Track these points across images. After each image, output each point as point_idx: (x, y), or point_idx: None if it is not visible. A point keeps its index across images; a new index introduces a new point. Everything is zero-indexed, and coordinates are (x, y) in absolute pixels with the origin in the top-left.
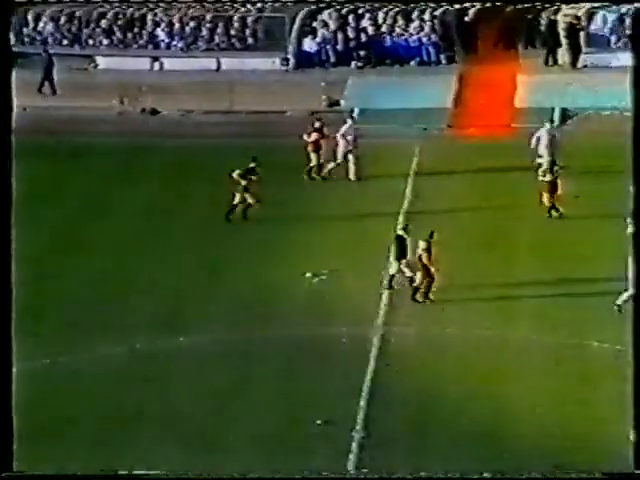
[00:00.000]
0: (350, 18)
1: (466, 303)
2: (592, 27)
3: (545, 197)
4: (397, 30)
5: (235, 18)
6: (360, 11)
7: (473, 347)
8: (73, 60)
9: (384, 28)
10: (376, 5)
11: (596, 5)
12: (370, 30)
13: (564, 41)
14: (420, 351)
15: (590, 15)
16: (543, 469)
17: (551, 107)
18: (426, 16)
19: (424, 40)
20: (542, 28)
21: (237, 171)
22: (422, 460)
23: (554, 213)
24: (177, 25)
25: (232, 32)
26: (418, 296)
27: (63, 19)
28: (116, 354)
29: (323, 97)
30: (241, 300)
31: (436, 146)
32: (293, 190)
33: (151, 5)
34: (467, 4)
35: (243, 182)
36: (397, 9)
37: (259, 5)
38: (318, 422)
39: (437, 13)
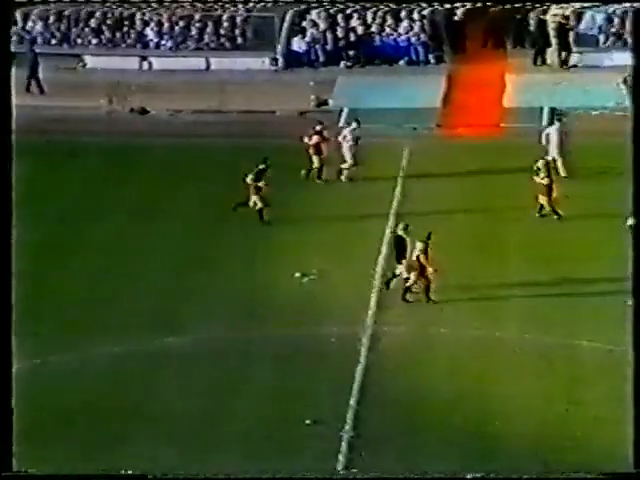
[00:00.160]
0: (339, 18)
1: (456, 303)
2: (581, 27)
3: (544, 200)
4: (386, 30)
5: (224, 18)
6: (349, 11)
7: (464, 347)
8: (61, 59)
9: (373, 28)
10: (365, 5)
11: (585, 5)
12: (359, 30)
13: (553, 41)
14: (410, 351)
15: (579, 15)
16: (534, 469)
17: (540, 107)
18: (415, 16)
19: (413, 40)
20: (531, 28)
21: (250, 176)
22: (412, 460)
23: (537, 214)
24: (166, 25)
25: (221, 32)
26: (408, 296)
27: (52, 18)
28: (110, 354)
29: (312, 97)
30: (231, 300)
31: (425, 146)
32: (282, 191)
33: (143, 5)
34: (456, 4)
35: (260, 183)
36: (386, 9)
37: (248, 5)
38: (307, 422)
39: (426, 13)
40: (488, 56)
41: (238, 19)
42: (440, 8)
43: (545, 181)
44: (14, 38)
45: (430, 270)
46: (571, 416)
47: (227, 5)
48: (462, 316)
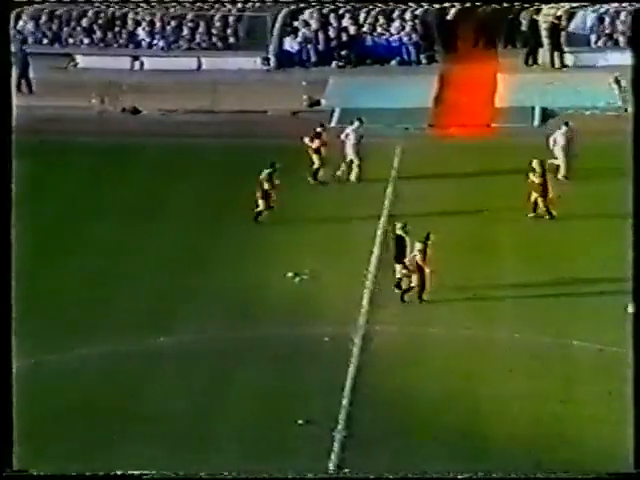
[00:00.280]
0: (331, 18)
1: (448, 303)
2: (572, 27)
3: (539, 200)
4: (378, 30)
5: (216, 17)
6: (341, 11)
7: (456, 347)
8: (53, 59)
9: (365, 28)
10: (357, 5)
11: (575, 5)
12: (351, 30)
13: (545, 41)
14: (402, 351)
15: (570, 15)
16: (527, 469)
17: (531, 106)
18: (407, 16)
19: (405, 40)
20: (523, 28)
21: (263, 175)
22: (404, 460)
23: (531, 214)
24: (158, 24)
25: (213, 31)
26: (407, 297)
27: (43, 18)
28: (103, 354)
29: (304, 97)
30: (223, 300)
31: (417, 146)
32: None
33: (131, 5)
34: (447, 4)
35: (266, 185)
36: (378, 9)
37: (240, 5)
38: (300, 422)
39: (418, 13)
40: (480, 56)
41: (230, 19)
42: (432, 8)
43: (538, 180)
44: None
45: (427, 271)
46: (563, 416)
47: (219, 5)
48: (454, 316)
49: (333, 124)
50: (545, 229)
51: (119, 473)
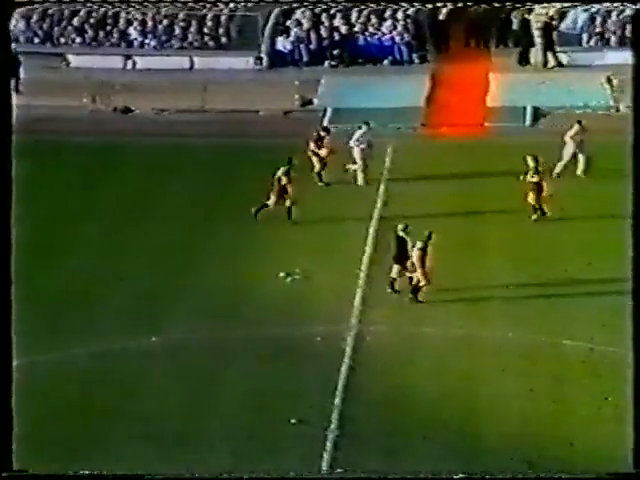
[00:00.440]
0: (323, 17)
1: (441, 303)
2: (564, 26)
3: (531, 198)
4: (370, 29)
5: (208, 17)
6: (333, 10)
7: (448, 346)
8: (45, 58)
9: (357, 27)
10: (349, 5)
11: (567, 5)
12: (343, 29)
13: (538, 40)
14: (395, 350)
15: (562, 14)
16: (519, 468)
17: (523, 106)
18: (399, 15)
19: (397, 39)
20: (515, 27)
21: (280, 172)
22: (397, 459)
23: (537, 212)
24: (150, 23)
25: (205, 31)
26: (419, 295)
27: (35, 17)
28: (95, 354)
29: (296, 96)
30: (215, 300)
31: (409, 145)
32: (267, 190)
33: (124, 5)
34: (439, 4)
35: (284, 180)
36: (370, 8)
37: (232, 4)
38: (292, 421)
39: (410, 12)
40: (472, 55)
41: (222, 18)
42: (424, 8)
43: (535, 179)
44: None
45: (421, 270)
46: (555, 415)
47: (211, 4)
48: (446, 315)
49: (325, 124)
50: (537, 229)
51: (119, 473)
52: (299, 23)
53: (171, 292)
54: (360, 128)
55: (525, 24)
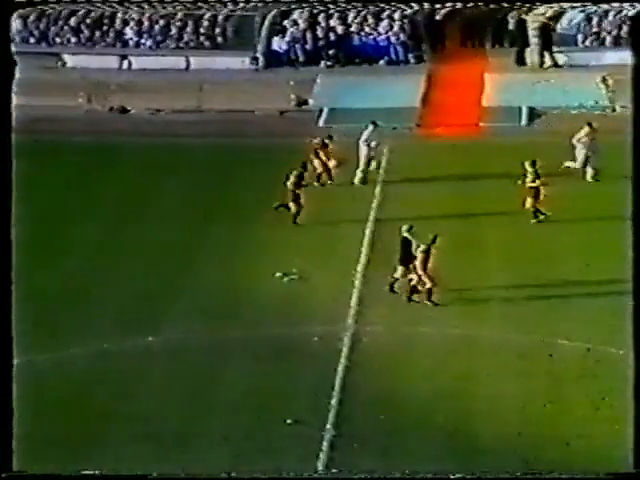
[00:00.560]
0: (319, 17)
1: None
2: (560, 27)
3: (529, 203)
4: (366, 29)
5: (205, 17)
6: (329, 10)
7: (445, 346)
8: (40, 58)
9: (353, 27)
10: (345, 5)
11: (564, 5)
12: (339, 29)
13: (534, 40)
14: (391, 350)
15: (558, 15)
16: (516, 468)
17: (519, 106)
18: (395, 15)
19: (393, 39)
20: (511, 27)
21: (294, 176)
22: (393, 459)
23: (539, 216)
24: (146, 23)
25: (201, 31)
26: (433, 298)
27: (31, 17)
28: (90, 354)
29: (292, 96)
30: (212, 300)
31: (405, 145)
32: (263, 190)
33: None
34: (436, 4)
35: (298, 190)
36: (366, 9)
37: (229, 4)
38: (288, 421)
39: (406, 13)
40: (467, 56)
41: (218, 18)
42: (420, 8)
43: (535, 183)
44: None
45: (425, 274)
46: (552, 415)
47: (207, 4)
48: (443, 316)
49: (321, 124)
50: (533, 230)
51: (117, 473)
52: (295, 23)
53: (169, 292)
54: (367, 127)
55: (521, 24)
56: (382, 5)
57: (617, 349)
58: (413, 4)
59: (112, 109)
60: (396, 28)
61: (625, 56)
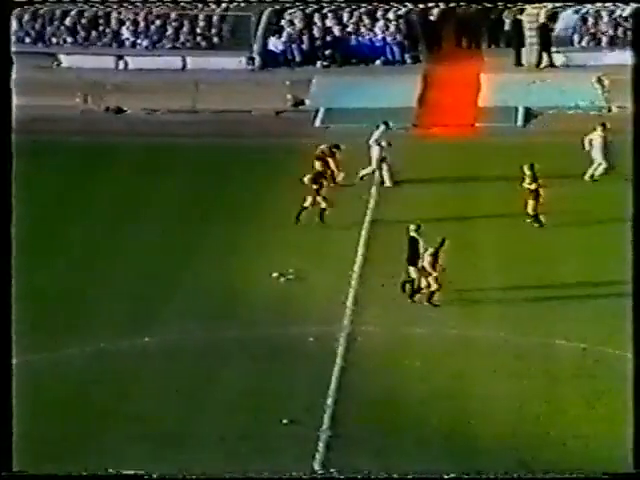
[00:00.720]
0: (316, 17)
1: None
2: (556, 27)
3: (530, 208)
4: (362, 30)
5: (201, 17)
6: (325, 10)
7: (440, 347)
8: (36, 58)
9: (349, 28)
10: (341, 5)
11: (559, 5)
12: (335, 30)
13: (530, 40)
14: (387, 350)
15: (554, 15)
16: (511, 468)
17: (515, 106)
18: (391, 16)
19: (389, 39)
20: (506, 27)
21: (308, 175)
22: (389, 460)
23: (535, 224)
24: (142, 23)
25: (198, 31)
26: (435, 299)
27: (26, 17)
28: (87, 354)
29: (288, 96)
30: (208, 300)
31: (402, 145)
32: (259, 190)
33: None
34: (431, 4)
35: (315, 186)
36: (363, 9)
37: (225, 4)
38: (284, 421)
39: (402, 13)
40: (464, 56)
41: (214, 18)
42: (416, 8)
43: (532, 186)
44: None
45: (433, 276)
46: (549, 415)
47: (203, 4)
48: (439, 316)
49: (317, 124)
50: (530, 230)
51: (119, 473)
52: (291, 23)
53: (165, 292)
54: (378, 128)
55: (517, 24)
56: (378, 5)
57: (614, 349)
58: (409, 4)
59: (108, 109)
60: (392, 28)
61: (621, 56)
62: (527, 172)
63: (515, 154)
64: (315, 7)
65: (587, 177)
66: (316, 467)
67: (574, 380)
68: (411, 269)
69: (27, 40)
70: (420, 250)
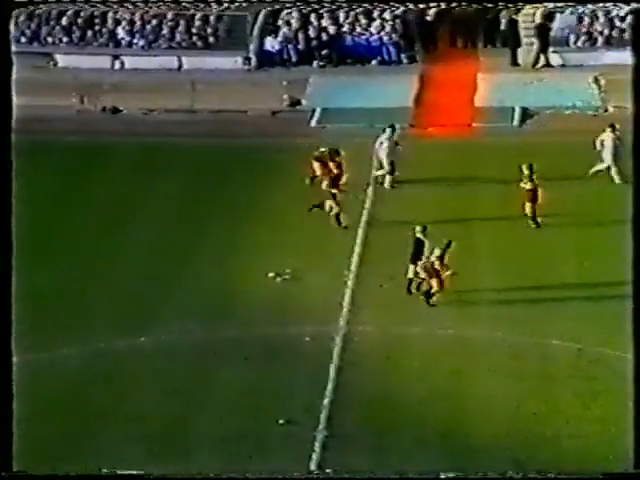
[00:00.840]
0: (312, 17)
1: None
2: (553, 27)
3: (528, 209)
4: (358, 29)
5: (197, 17)
6: (321, 10)
7: (437, 346)
8: (32, 58)
9: (345, 27)
10: (337, 4)
11: (556, 5)
12: (331, 29)
13: (527, 40)
14: (383, 350)
15: (550, 15)
16: (508, 468)
17: (512, 106)
18: (387, 15)
19: (385, 39)
20: (502, 27)
21: (325, 182)
22: (385, 460)
23: (532, 224)
24: (138, 23)
25: (194, 31)
26: (433, 300)
27: (22, 17)
28: (82, 354)
29: (285, 96)
30: (204, 300)
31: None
32: (255, 190)
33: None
34: (428, 4)
35: (333, 190)
36: (359, 8)
37: (221, 4)
38: (281, 421)
39: (398, 12)
40: (460, 56)
41: (210, 18)
42: (412, 8)
43: (529, 186)
44: None
45: (443, 276)
46: (544, 415)
47: (200, 4)
48: (435, 316)
49: (313, 124)
50: (527, 231)
51: (118, 473)
52: (287, 23)
53: (162, 292)
54: (384, 132)
55: (513, 24)
56: (375, 4)
57: (610, 350)
58: (406, 3)
59: (104, 109)
60: (388, 28)
61: (617, 56)
62: (525, 171)
63: (512, 154)
64: (312, 7)
65: (617, 180)
66: (313, 467)
67: (570, 380)
68: (411, 267)
69: (23, 40)
70: (425, 252)
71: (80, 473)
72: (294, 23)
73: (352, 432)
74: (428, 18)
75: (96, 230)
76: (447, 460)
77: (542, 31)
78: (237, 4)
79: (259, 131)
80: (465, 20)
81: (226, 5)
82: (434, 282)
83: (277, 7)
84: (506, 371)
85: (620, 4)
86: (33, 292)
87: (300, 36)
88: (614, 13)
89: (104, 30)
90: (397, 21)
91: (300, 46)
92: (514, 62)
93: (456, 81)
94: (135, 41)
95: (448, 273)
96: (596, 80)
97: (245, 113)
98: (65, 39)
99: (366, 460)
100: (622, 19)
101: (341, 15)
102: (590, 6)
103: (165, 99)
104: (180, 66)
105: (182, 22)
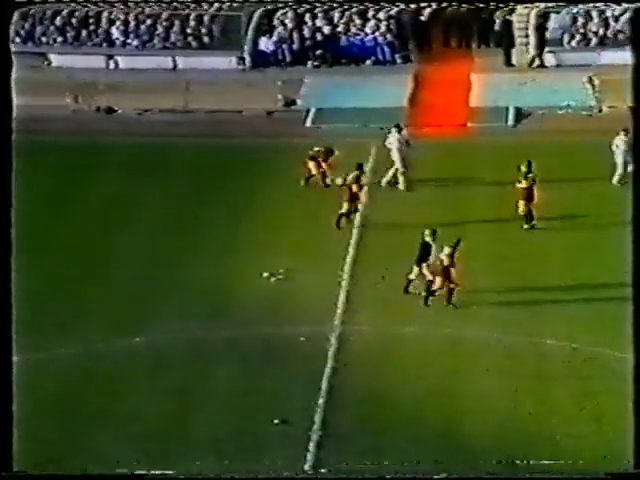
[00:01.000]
0: (306, 17)
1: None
2: (548, 26)
3: (520, 205)
4: (353, 29)
5: (191, 17)
6: (316, 10)
7: (432, 346)
8: (26, 58)
9: (340, 27)
10: (332, 4)
11: (551, 5)
12: (326, 29)
13: (520, 41)
14: (378, 350)
15: (545, 15)
16: (502, 468)
17: (506, 106)
18: (381, 15)
19: (379, 39)
20: (497, 28)
21: (351, 177)
22: (380, 459)
23: (525, 225)
24: (133, 23)
25: (188, 31)
26: (431, 299)
27: (16, 16)
28: (78, 355)
29: (279, 96)
30: (199, 300)
31: None
32: (250, 190)
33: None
34: (422, 4)
35: (355, 188)
36: (353, 9)
37: (215, 4)
38: (276, 421)
39: (392, 13)
40: (454, 56)
41: (205, 18)
42: (407, 8)
43: (524, 184)
44: None
45: (454, 275)
46: (539, 414)
47: (194, 4)
48: (430, 316)
49: (308, 124)
50: (520, 232)
51: (119, 473)
52: (282, 23)
53: (156, 293)
54: (390, 132)
55: (507, 24)
56: (369, 5)
57: (606, 350)
58: (400, 4)
59: (99, 109)
60: (383, 28)
61: (612, 56)
62: (522, 169)
63: (506, 154)
64: (306, 7)
65: (614, 181)
66: (308, 467)
67: (565, 380)
68: (415, 269)
69: (17, 40)
70: (431, 257)
71: (79, 473)
72: (289, 23)
73: (347, 432)
74: (422, 18)
75: (90, 230)
76: (443, 460)
77: (537, 31)
78: (230, 4)
79: (254, 131)
80: (459, 20)
81: (220, 5)
82: (438, 280)
83: (271, 7)
84: (502, 371)
85: (612, 4)
86: (27, 292)
87: (295, 36)
88: (608, 13)
89: (99, 30)
90: (391, 21)
91: (295, 46)
92: (508, 62)
93: (450, 81)
94: (129, 41)
95: (454, 274)
96: (590, 80)
97: (240, 113)
98: (59, 39)
99: (361, 460)
100: (616, 19)
101: (336, 15)
102: (585, 6)
103: (160, 99)
104: (175, 66)
105: (176, 22)
